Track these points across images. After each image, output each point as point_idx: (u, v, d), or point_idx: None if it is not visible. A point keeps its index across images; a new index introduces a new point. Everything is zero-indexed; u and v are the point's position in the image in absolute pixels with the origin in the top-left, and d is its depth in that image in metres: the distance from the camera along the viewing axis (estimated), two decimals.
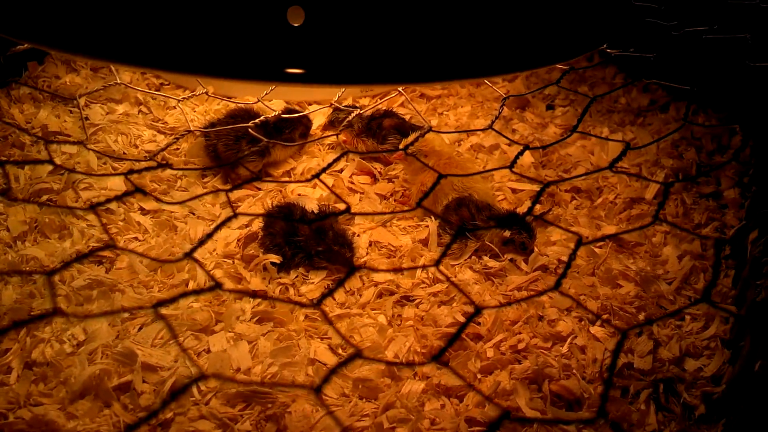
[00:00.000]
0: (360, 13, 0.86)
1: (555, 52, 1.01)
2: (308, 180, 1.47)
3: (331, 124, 1.63)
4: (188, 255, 0.90)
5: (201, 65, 0.85)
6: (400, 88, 1.50)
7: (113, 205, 1.39)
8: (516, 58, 0.97)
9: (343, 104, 1.68)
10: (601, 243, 1.34)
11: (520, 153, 1.34)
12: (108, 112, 1.68)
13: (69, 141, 1.52)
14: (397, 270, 1.24)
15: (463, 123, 1.75)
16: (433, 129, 1.39)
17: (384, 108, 1.70)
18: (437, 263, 1.14)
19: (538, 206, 1.45)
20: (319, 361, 1.11)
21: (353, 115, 1.57)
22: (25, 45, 1.15)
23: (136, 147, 1.58)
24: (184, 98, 1.42)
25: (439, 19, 0.91)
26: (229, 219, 1.15)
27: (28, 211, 1.37)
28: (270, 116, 1.49)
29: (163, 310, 1.18)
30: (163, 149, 1.51)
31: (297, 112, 1.56)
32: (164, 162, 1.47)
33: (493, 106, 1.82)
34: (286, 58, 0.87)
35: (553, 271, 1.29)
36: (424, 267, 1.27)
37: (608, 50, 1.11)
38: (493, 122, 1.34)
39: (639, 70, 1.89)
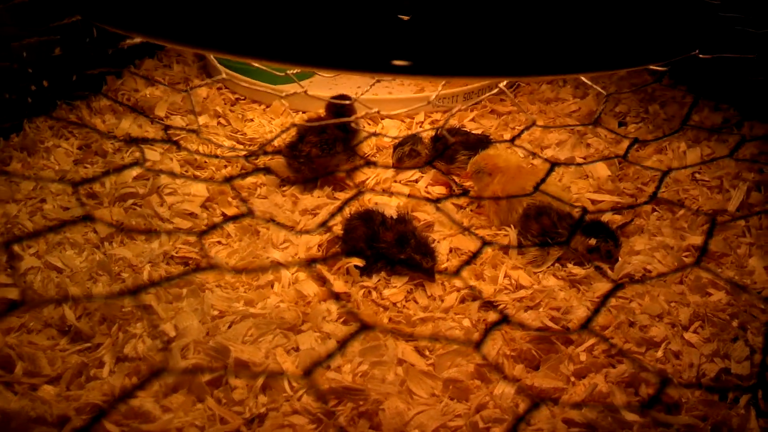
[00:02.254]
0: (466, 7, 0.88)
1: (655, 52, 1.01)
2: (423, 166, 1.54)
3: (399, 161, 1.62)
4: (323, 225, 0.91)
5: (313, 58, 0.87)
6: (502, 84, 1.50)
7: (198, 210, 1.41)
8: (619, 56, 0.97)
9: (402, 135, 1.70)
10: (686, 252, 1.32)
11: (631, 145, 1.34)
12: (188, 123, 1.72)
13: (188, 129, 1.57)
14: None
15: (536, 137, 1.74)
16: (536, 124, 1.39)
17: (447, 126, 1.70)
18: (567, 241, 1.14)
19: (619, 217, 1.44)
20: (408, 362, 1.10)
21: (418, 144, 1.59)
22: (137, 39, 1.18)
23: (217, 157, 1.60)
24: (287, 95, 1.44)
25: (552, 13, 0.91)
26: (357, 195, 1.17)
27: (114, 213, 1.40)
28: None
29: (251, 309, 1.19)
30: (271, 140, 1.55)
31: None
32: (279, 149, 1.51)
33: (565, 122, 1.82)
34: (394, 51, 0.88)
35: (639, 279, 1.27)
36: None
37: (700, 55, 1.10)
38: (597, 118, 1.33)
39: (709, 89, 1.89)
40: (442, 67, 0.88)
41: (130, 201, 1.44)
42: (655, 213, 1.46)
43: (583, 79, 1.60)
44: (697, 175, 1.55)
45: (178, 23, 0.89)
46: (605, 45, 0.96)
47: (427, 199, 1.51)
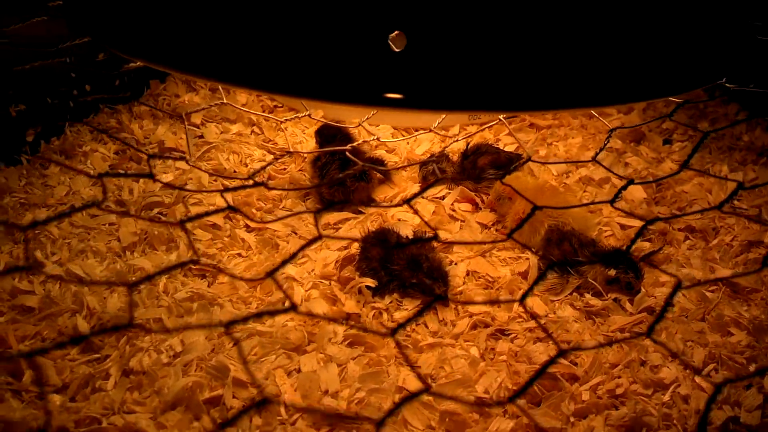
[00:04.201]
0: (461, 41, 0.85)
1: (669, 84, 0.97)
2: (398, 205, 1.46)
3: (424, 180, 1.60)
4: (269, 275, 0.90)
5: (304, 88, 0.86)
6: (501, 116, 1.47)
7: (220, 221, 1.43)
8: (627, 89, 0.93)
9: (430, 155, 1.67)
10: (713, 287, 1.26)
11: (624, 187, 1.28)
12: (222, 132, 1.74)
13: (173, 157, 1.58)
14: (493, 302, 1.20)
15: (573, 155, 1.70)
16: (532, 159, 1.35)
17: (476, 143, 1.66)
18: (522, 299, 1.10)
19: (648, 244, 1.38)
20: (407, 390, 1.09)
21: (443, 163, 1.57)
22: (138, 63, 1.20)
23: (246, 166, 1.62)
24: (287, 119, 1.45)
25: (547, 45, 0.88)
26: (313, 240, 1.15)
27: (139, 222, 1.42)
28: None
29: (259, 327, 1.19)
30: (258, 170, 1.55)
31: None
32: (262, 182, 1.50)
33: (604, 139, 1.76)
34: (386, 83, 0.86)
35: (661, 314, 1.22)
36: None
37: (727, 84, 1.04)
38: (597, 154, 1.29)
39: (764, 108, 1.80)
40: (435, 100, 0.87)
41: (156, 210, 1.46)
42: (688, 241, 1.40)
43: (592, 112, 1.54)
44: (735, 202, 1.48)
45: (176, 51, 0.90)
46: (614, 77, 0.92)
47: (452, 217, 1.50)
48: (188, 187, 1.52)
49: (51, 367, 1.10)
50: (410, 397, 0.77)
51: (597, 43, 0.91)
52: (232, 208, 1.29)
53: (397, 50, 0.85)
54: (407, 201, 1.14)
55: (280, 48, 0.88)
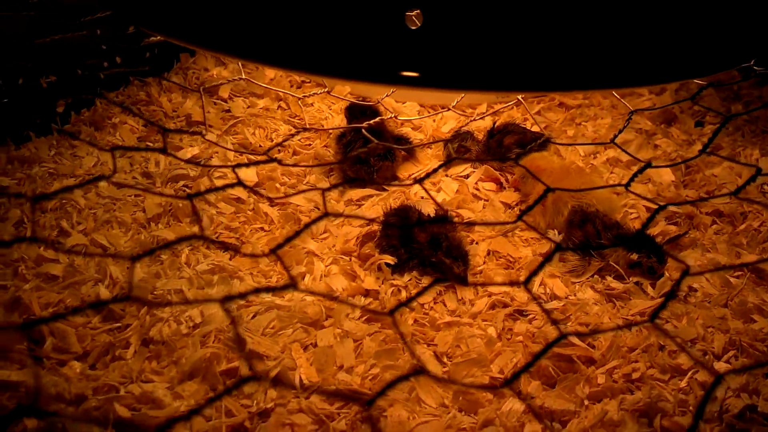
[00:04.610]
0: (479, 17, 0.84)
1: (697, 66, 0.95)
2: (409, 185, 1.46)
3: (447, 158, 1.59)
4: (273, 251, 0.91)
5: (320, 66, 0.86)
6: (519, 96, 1.45)
7: (244, 195, 1.43)
8: (653, 70, 0.91)
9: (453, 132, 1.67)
10: (738, 273, 1.24)
11: (640, 171, 1.25)
12: (249, 106, 1.75)
13: (191, 132, 1.60)
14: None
15: (601, 135, 1.67)
16: (551, 140, 1.34)
17: (503, 121, 1.64)
18: (527, 281, 1.09)
19: (674, 228, 1.36)
20: (423, 368, 1.09)
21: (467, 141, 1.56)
22: (158, 37, 1.21)
23: (271, 141, 1.62)
24: (305, 95, 1.45)
25: (572, 24, 0.86)
26: (319, 218, 1.16)
27: (165, 194, 1.44)
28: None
29: (278, 300, 1.20)
30: (273, 146, 1.55)
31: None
32: (274, 158, 1.50)
33: (635, 119, 1.73)
34: (403, 61, 0.86)
35: (682, 299, 1.21)
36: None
37: (755, 67, 1.02)
38: (615, 136, 1.26)
39: None
40: (452, 79, 0.86)
41: (181, 183, 1.47)
42: (715, 225, 1.38)
43: (614, 94, 1.50)
44: (765, 187, 1.45)
45: (196, 27, 0.90)
46: (635, 57, 0.91)
47: (475, 197, 1.49)
48: (213, 161, 1.53)
49: (72, 335, 1.12)
50: (403, 378, 0.77)
51: (623, 22, 0.89)
52: (242, 185, 1.30)
53: (414, 28, 0.84)
54: (419, 181, 1.13)
55: (298, 26, 0.88)
